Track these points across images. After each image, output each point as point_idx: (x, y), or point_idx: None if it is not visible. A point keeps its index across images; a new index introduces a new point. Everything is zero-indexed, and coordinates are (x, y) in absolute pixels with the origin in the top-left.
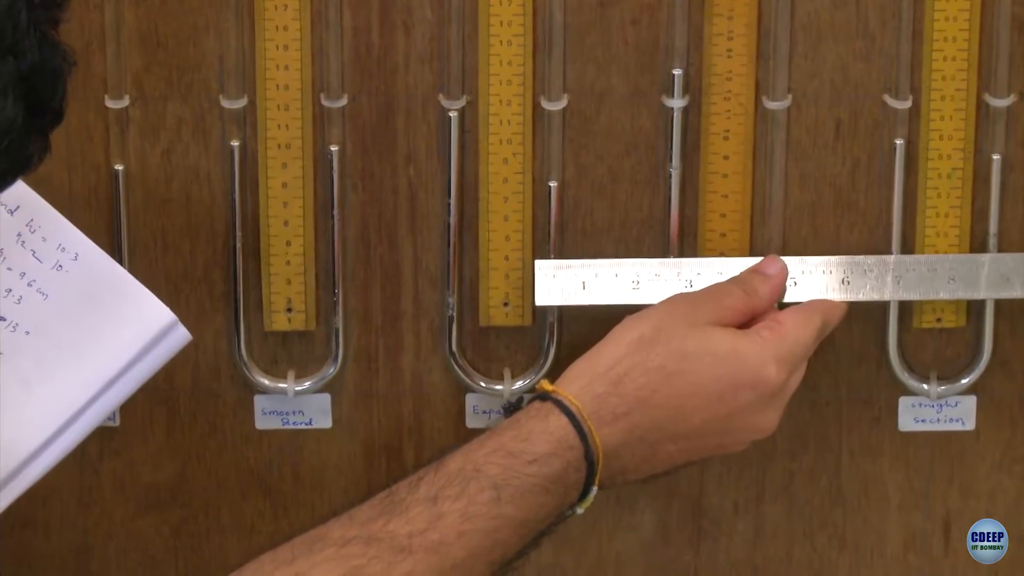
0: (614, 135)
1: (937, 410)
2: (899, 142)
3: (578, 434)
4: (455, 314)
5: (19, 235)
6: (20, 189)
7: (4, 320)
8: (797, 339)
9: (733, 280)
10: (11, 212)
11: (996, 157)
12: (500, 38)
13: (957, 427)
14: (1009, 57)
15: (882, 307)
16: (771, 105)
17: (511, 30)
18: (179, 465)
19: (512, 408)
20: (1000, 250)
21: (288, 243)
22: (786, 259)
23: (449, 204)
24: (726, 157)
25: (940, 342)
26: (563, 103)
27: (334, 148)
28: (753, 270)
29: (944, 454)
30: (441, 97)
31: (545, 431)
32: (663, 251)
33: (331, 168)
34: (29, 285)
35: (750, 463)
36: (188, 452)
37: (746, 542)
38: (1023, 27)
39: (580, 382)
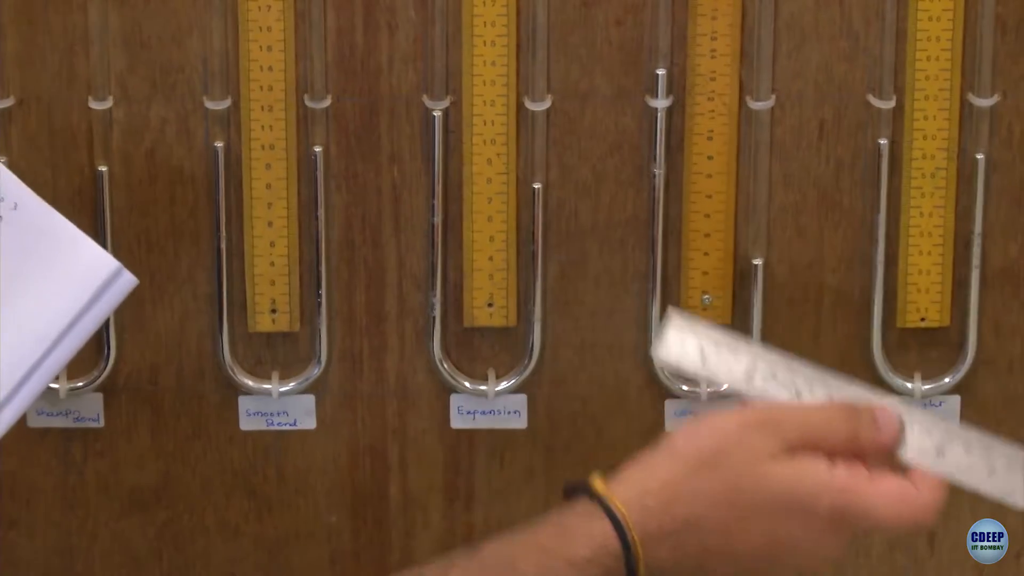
0: (598, 135)
1: (922, 409)
2: (883, 142)
3: (622, 544)
4: (439, 315)
5: None
6: None
7: None
8: (867, 507)
9: (822, 410)
10: None
11: (980, 157)
12: (484, 38)
13: None
14: (992, 57)
15: (866, 306)
16: (755, 105)
17: (495, 30)
18: (163, 466)
19: (572, 491)
20: (984, 249)
21: (272, 244)
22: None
23: (433, 205)
24: (710, 157)
25: (924, 341)
26: (547, 103)
27: (318, 149)
28: (871, 416)
29: None
30: (425, 98)
31: (589, 535)
32: (646, 251)
33: (315, 169)
34: None
35: None
36: (172, 453)
37: None
38: (1006, 27)
39: (631, 491)
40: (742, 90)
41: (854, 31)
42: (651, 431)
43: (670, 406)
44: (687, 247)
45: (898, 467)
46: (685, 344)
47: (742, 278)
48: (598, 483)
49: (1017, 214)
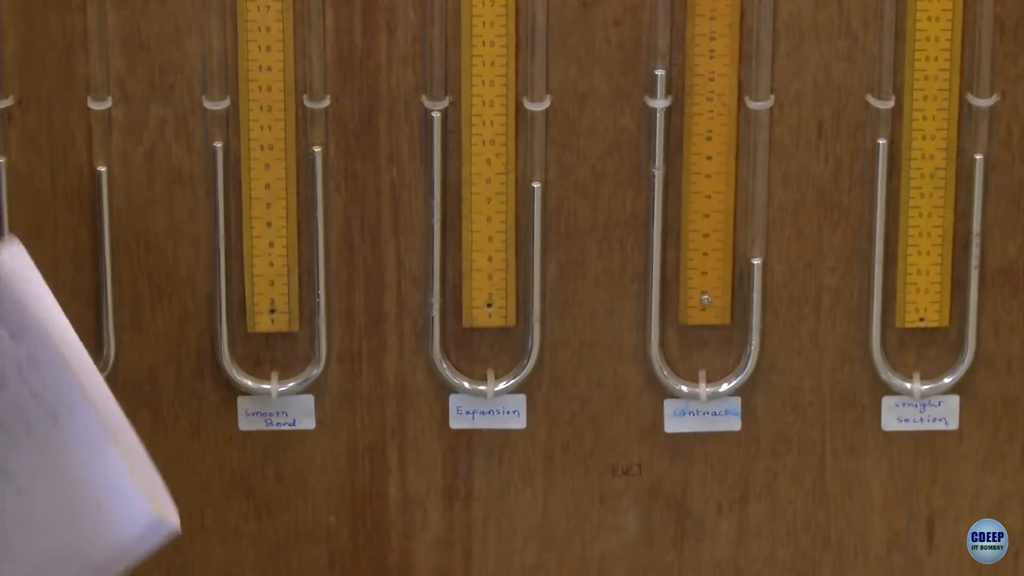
0: (597, 135)
1: (920, 410)
2: (882, 142)
3: None
4: (438, 315)
5: (21, 369)
6: (33, 321)
7: None
8: None
9: None
10: (12, 337)
11: (979, 157)
12: (483, 39)
13: (940, 426)
14: (991, 57)
15: (865, 306)
16: (754, 105)
17: (494, 31)
18: (162, 466)
19: None
20: (983, 249)
21: (271, 244)
22: None
23: (432, 205)
24: (709, 157)
25: (923, 341)
26: (546, 104)
27: (317, 149)
28: None
29: (927, 453)
30: (424, 98)
31: None
32: (645, 251)
33: (314, 169)
34: (27, 432)
35: (733, 463)
36: (171, 453)
37: (730, 542)
38: (1005, 27)
39: None
40: (741, 90)
41: (853, 31)
42: (650, 431)
43: (669, 406)
44: (686, 247)
45: None
46: None
47: (741, 278)
48: None
49: (1016, 214)
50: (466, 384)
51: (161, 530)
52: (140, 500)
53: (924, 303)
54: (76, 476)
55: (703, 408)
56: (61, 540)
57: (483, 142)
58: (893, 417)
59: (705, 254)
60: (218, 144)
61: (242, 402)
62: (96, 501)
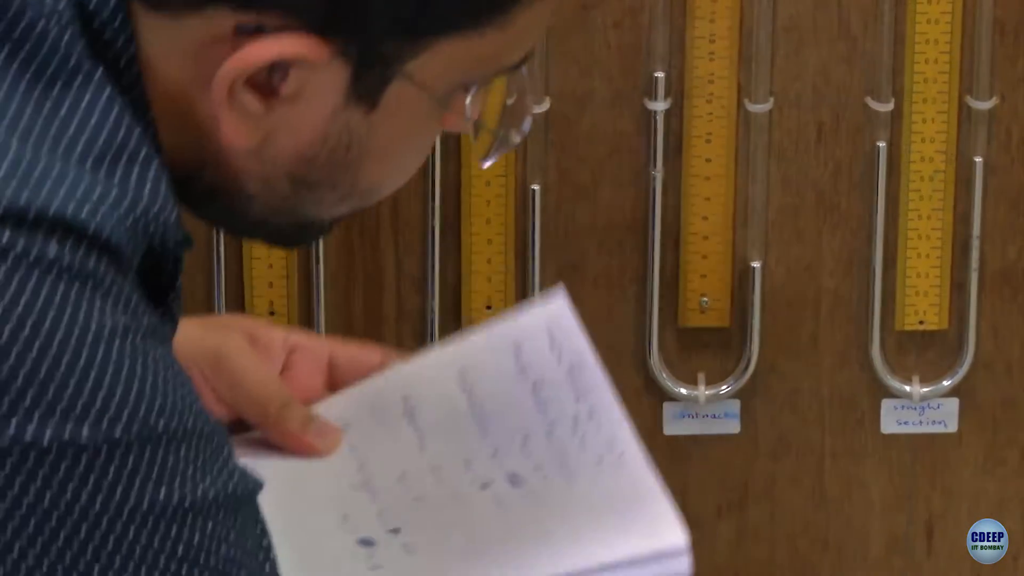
0: (596, 138)
1: (920, 412)
2: (881, 145)
3: None
4: (437, 318)
5: (576, 419)
6: (597, 380)
7: (522, 488)
8: None
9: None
10: (577, 399)
11: (978, 160)
12: None
13: (940, 429)
14: (991, 60)
15: (865, 309)
16: (753, 108)
17: None
18: None
19: None
20: (982, 252)
21: (270, 247)
22: None
23: (431, 207)
24: (708, 160)
25: (922, 344)
26: (545, 106)
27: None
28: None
29: (927, 456)
30: None
31: None
32: (645, 254)
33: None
34: (562, 466)
35: (733, 466)
36: None
37: (729, 545)
38: (1005, 30)
39: None
40: (740, 93)
41: (852, 34)
42: (649, 434)
43: (668, 409)
44: (685, 250)
45: None
46: None
47: (740, 281)
48: None
49: (1015, 217)
50: None
51: (683, 560)
52: (676, 525)
53: (923, 306)
54: (612, 503)
55: (702, 411)
56: (568, 540)
57: None
58: (892, 420)
59: (704, 257)
60: None
61: None
62: (632, 517)
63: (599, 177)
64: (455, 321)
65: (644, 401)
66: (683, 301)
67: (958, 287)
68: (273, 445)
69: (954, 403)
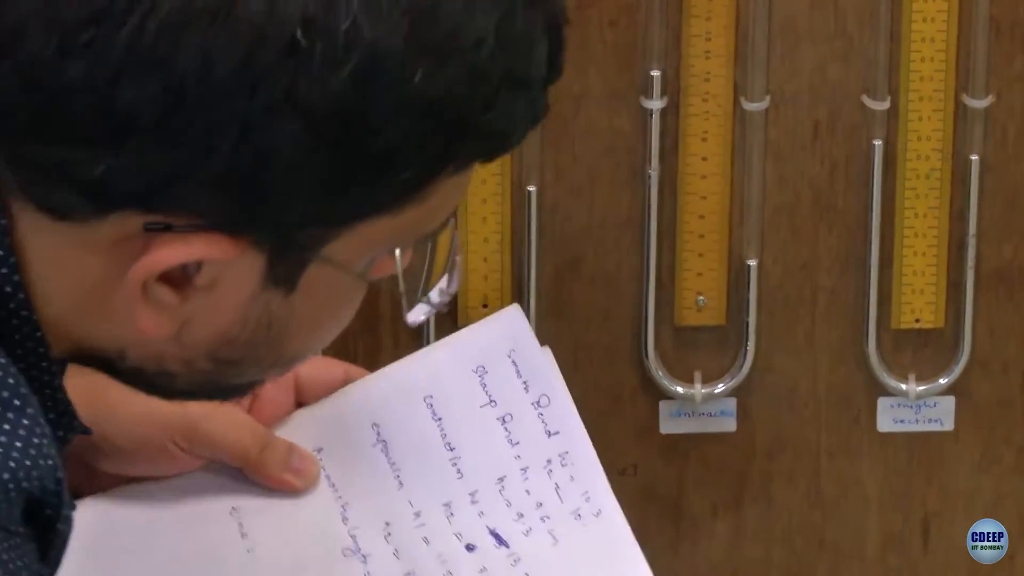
0: (592, 137)
1: (916, 411)
2: (877, 143)
3: None
4: (434, 316)
5: (549, 461)
6: (567, 413)
7: (508, 548)
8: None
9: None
10: (548, 435)
11: (974, 158)
12: None
13: (936, 428)
14: (987, 58)
15: (861, 307)
16: (749, 106)
17: None
18: None
19: None
20: (978, 251)
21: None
22: None
23: None
24: (704, 158)
25: (919, 342)
26: None
27: None
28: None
29: (923, 455)
30: None
31: None
32: (641, 252)
33: None
34: (542, 520)
35: (729, 465)
36: None
37: (725, 544)
38: (1000, 28)
39: None
40: (736, 91)
41: (848, 32)
42: (645, 432)
43: (664, 407)
44: (682, 248)
45: None
46: None
47: (737, 279)
48: None
49: (1011, 215)
50: None
51: None
52: None
53: (919, 304)
54: (599, 561)
55: (698, 409)
56: None
57: None
58: (888, 418)
59: (701, 255)
60: None
61: None
62: None
63: (595, 176)
64: (451, 320)
65: (640, 399)
66: (679, 299)
67: (954, 285)
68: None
69: (950, 401)
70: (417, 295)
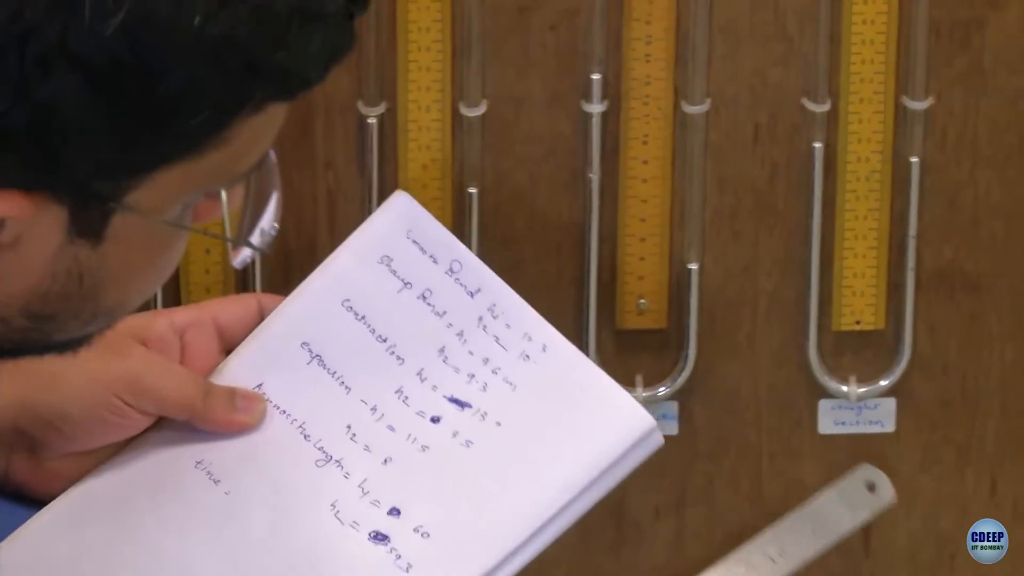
0: (533, 140)
1: (857, 412)
2: (817, 145)
3: None
4: None
5: (480, 318)
6: (481, 271)
7: (471, 407)
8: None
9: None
10: (471, 294)
11: (914, 159)
12: (419, 44)
13: (877, 429)
14: (927, 60)
15: (802, 309)
16: (690, 109)
17: (430, 36)
18: None
19: None
20: (919, 252)
21: (207, 251)
22: None
23: (369, 211)
24: (645, 162)
25: (859, 344)
26: (482, 109)
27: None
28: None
29: (864, 456)
30: (360, 104)
31: None
32: (582, 256)
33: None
34: (494, 373)
35: (671, 467)
36: None
37: (667, 546)
38: (940, 30)
39: None
40: (677, 94)
41: (788, 35)
42: None
43: None
44: (623, 251)
45: None
46: None
47: (678, 282)
48: None
49: (951, 216)
50: None
51: (657, 436)
52: (635, 406)
53: (860, 306)
54: (565, 399)
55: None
56: (565, 459)
57: (419, 148)
58: (830, 420)
59: (642, 258)
60: None
61: None
62: (591, 410)
63: (536, 179)
64: None
65: None
66: (621, 303)
67: (895, 287)
68: (203, 433)
69: (891, 403)
70: (241, 238)
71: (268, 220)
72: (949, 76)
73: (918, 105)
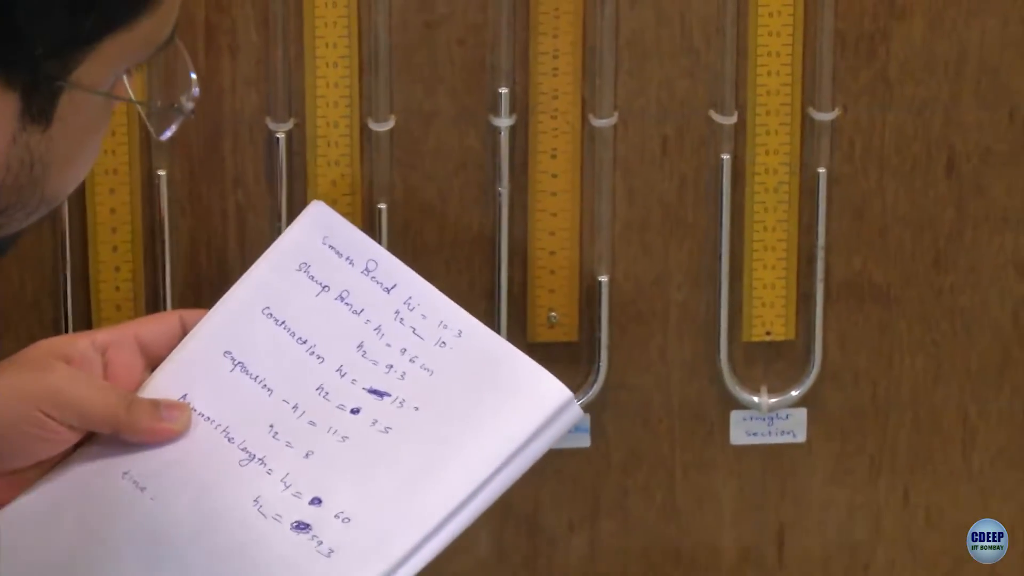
0: (442, 155)
1: (768, 423)
2: (725, 157)
3: None
4: None
5: (397, 312)
6: (397, 267)
7: (390, 396)
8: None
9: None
10: (387, 291)
11: (821, 171)
12: (326, 60)
13: (789, 439)
14: (832, 71)
15: (712, 321)
16: (597, 123)
17: (337, 51)
18: None
19: None
20: (827, 263)
21: (117, 268)
22: None
23: (279, 227)
24: (554, 175)
25: (770, 355)
26: (390, 124)
27: (161, 173)
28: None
29: (776, 467)
30: (268, 120)
31: None
32: (493, 270)
33: (159, 193)
34: (411, 361)
35: (584, 480)
36: None
37: (581, 559)
38: (846, 42)
39: None
40: (584, 108)
41: (695, 48)
42: None
43: None
44: (533, 265)
45: None
46: None
47: (588, 295)
48: None
49: (859, 227)
50: None
51: (575, 407)
52: (552, 380)
53: (770, 317)
54: (482, 379)
55: None
56: (483, 435)
57: (328, 163)
58: (742, 431)
59: (552, 272)
60: None
61: None
62: (509, 388)
63: (446, 194)
64: None
65: None
66: (532, 316)
67: (804, 298)
68: (130, 445)
69: (802, 413)
70: (169, 107)
71: (189, 85)
72: (855, 87)
73: (825, 116)
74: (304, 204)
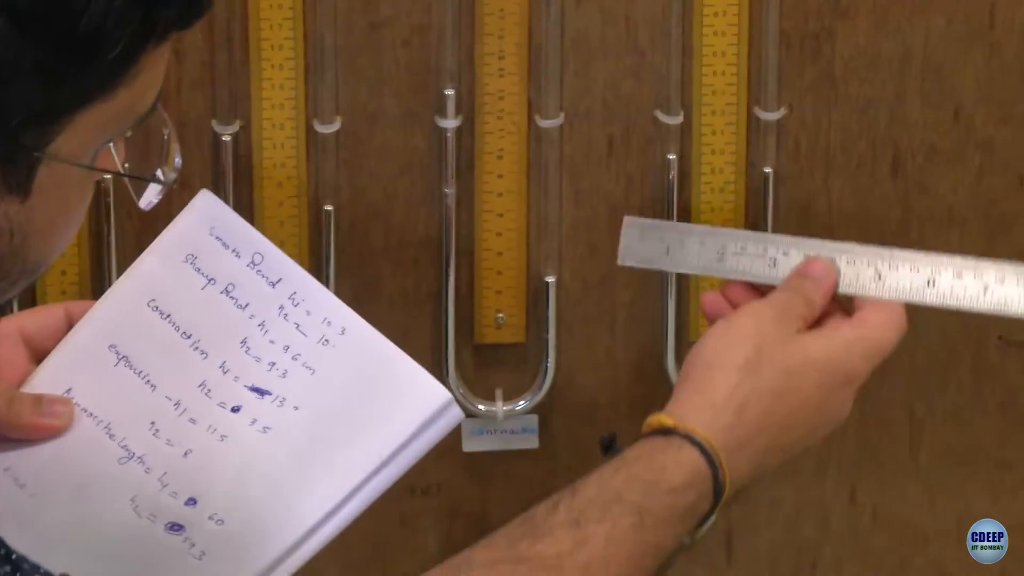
0: (388, 156)
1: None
2: (672, 157)
3: (709, 466)
4: None
5: (281, 308)
6: (282, 261)
7: (271, 395)
8: (883, 338)
9: (789, 289)
10: (272, 285)
11: (768, 170)
12: (271, 62)
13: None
14: (778, 71)
15: (659, 321)
16: (544, 123)
17: (282, 54)
18: None
19: (608, 444)
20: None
21: (63, 272)
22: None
23: None
24: (500, 176)
25: None
26: (336, 125)
27: (108, 176)
28: (802, 275)
29: None
30: (214, 123)
31: (679, 464)
32: (440, 271)
33: (106, 196)
34: (294, 359)
35: (532, 481)
36: None
37: None
38: (791, 41)
39: (704, 415)
40: (530, 108)
41: (640, 48)
42: (448, 451)
43: (466, 425)
44: (480, 266)
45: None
46: (646, 243)
47: (535, 296)
48: (667, 419)
49: (806, 225)
50: None
51: (454, 409)
52: (431, 382)
53: None
54: (362, 380)
55: (500, 426)
56: (361, 436)
57: (274, 165)
58: None
59: (499, 273)
60: None
61: None
62: (389, 388)
63: (392, 195)
64: None
65: None
66: (479, 317)
67: None
68: (12, 441)
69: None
70: (149, 177)
71: (171, 158)
72: (800, 87)
73: (770, 116)
74: (251, 207)
